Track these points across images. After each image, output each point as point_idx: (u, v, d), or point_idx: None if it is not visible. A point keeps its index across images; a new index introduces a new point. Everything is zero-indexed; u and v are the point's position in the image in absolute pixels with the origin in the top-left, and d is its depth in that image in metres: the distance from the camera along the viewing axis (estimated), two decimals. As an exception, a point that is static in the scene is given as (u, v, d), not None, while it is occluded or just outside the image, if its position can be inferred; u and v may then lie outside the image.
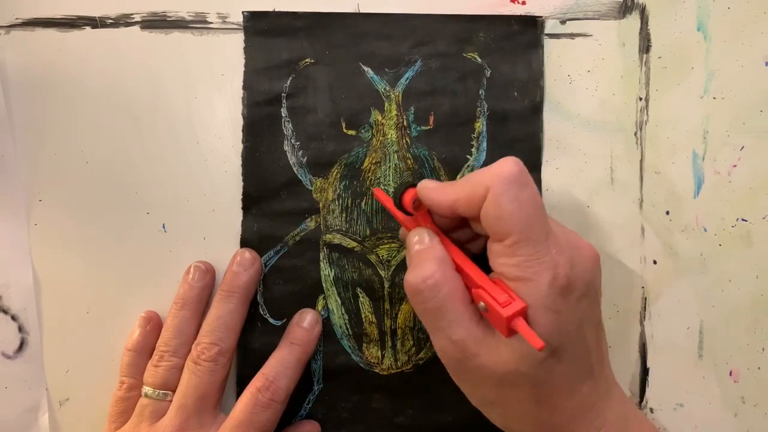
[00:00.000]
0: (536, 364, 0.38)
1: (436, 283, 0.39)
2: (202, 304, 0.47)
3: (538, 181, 0.48)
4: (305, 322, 0.47)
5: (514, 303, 0.37)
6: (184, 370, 0.45)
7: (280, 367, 0.45)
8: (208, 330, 0.45)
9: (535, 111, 0.48)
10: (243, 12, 0.47)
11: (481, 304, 0.38)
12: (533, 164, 0.48)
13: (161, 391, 0.45)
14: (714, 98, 0.48)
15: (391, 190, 0.47)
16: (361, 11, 0.47)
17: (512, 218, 0.38)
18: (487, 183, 0.38)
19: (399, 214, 0.44)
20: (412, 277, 0.40)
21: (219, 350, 0.45)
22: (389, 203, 0.45)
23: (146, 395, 0.45)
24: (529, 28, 0.48)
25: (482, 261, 0.41)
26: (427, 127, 0.47)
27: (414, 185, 0.42)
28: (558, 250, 0.38)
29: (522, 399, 0.39)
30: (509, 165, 0.39)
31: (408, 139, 0.48)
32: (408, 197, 0.42)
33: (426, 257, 0.40)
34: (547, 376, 0.39)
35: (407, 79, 0.47)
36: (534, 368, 0.38)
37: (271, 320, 0.48)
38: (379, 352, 0.48)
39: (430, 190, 0.41)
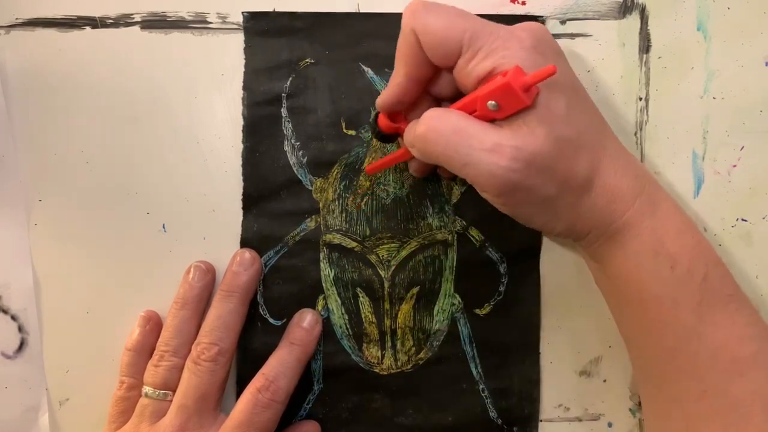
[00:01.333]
0: (565, 120, 0.38)
1: (441, 113, 0.39)
2: (202, 304, 0.47)
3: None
4: (305, 322, 0.47)
5: (507, 72, 0.36)
6: (184, 370, 0.45)
7: (280, 368, 0.45)
8: (208, 330, 0.45)
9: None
10: (243, 12, 0.47)
11: (490, 103, 0.37)
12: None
13: (161, 391, 0.45)
14: (714, 98, 0.48)
15: (391, 190, 0.47)
16: (362, 11, 0.47)
17: (452, 30, 0.38)
18: (409, 26, 0.39)
19: (399, 152, 0.44)
20: (419, 127, 0.39)
21: (219, 350, 0.45)
22: (385, 159, 0.45)
23: (146, 395, 0.45)
24: (529, 29, 0.48)
25: None
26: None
27: (375, 113, 0.43)
28: (510, 29, 0.39)
29: (572, 170, 0.39)
30: (412, 2, 0.40)
31: (408, 140, 0.48)
32: (383, 119, 0.43)
33: (418, 120, 0.40)
34: (577, 129, 0.39)
35: (407, 78, 0.47)
36: (566, 125, 0.38)
37: (271, 320, 0.48)
38: (379, 352, 0.48)
39: (384, 94, 0.42)
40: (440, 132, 0.38)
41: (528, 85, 0.36)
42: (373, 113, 0.44)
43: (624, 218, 0.40)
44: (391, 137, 0.44)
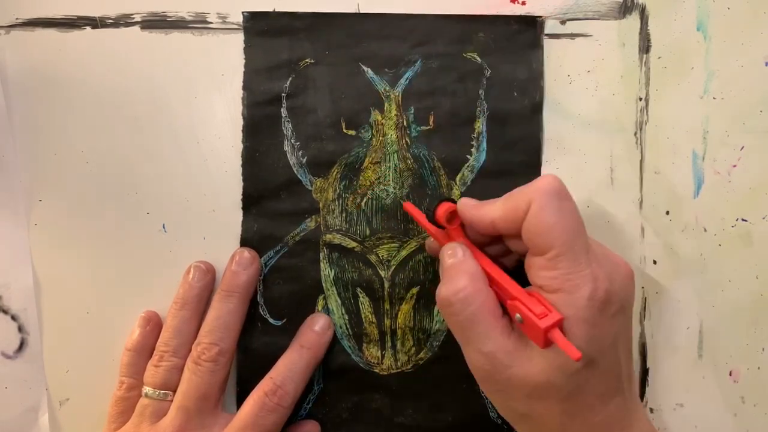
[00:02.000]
0: (570, 375, 0.38)
1: (467, 296, 0.39)
2: (202, 304, 0.47)
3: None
4: (317, 326, 0.47)
5: (551, 314, 0.37)
6: (185, 370, 0.45)
7: (288, 372, 0.45)
8: (208, 330, 0.45)
9: (534, 111, 0.48)
10: (243, 12, 0.47)
11: (517, 315, 0.38)
12: (533, 164, 0.48)
13: (161, 391, 0.45)
14: (714, 98, 0.48)
15: (391, 190, 0.47)
16: (362, 11, 0.47)
17: (554, 231, 0.38)
18: (530, 197, 0.39)
19: (432, 228, 0.44)
20: (444, 290, 0.40)
21: (219, 350, 0.45)
22: (421, 218, 0.45)
23: (146, 395, 0.45)
24: (529, 28, 0.48)
25: (515, 277, 0.41)
26: (427, 127, 0.47)
27: (449, 200, 0.43)
28: (597, 264, 0.39)
29: (552, 411, 0.39)
30: (550, 179, 0.39)
31: (408, 139, 0.48)
32: (442, 211, 0.43)
33: (459, 271, 0.41)
34: (579, 388, 0.39)
35: (407, 79, 0.47)
36: (567, 379, 0.38)
37: (271, 320, 0.48)
38: (379, 352, 0.48)
39: (471, 207, 0.42)
40: (458, 311, 0.40)
41: (551, 340, 0.37)
42: (435, 202, 0.44)
43: None
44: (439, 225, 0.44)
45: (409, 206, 0.46)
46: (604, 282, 0.38)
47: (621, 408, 0.41)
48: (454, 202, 0.43)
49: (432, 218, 0.43)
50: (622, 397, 0.41)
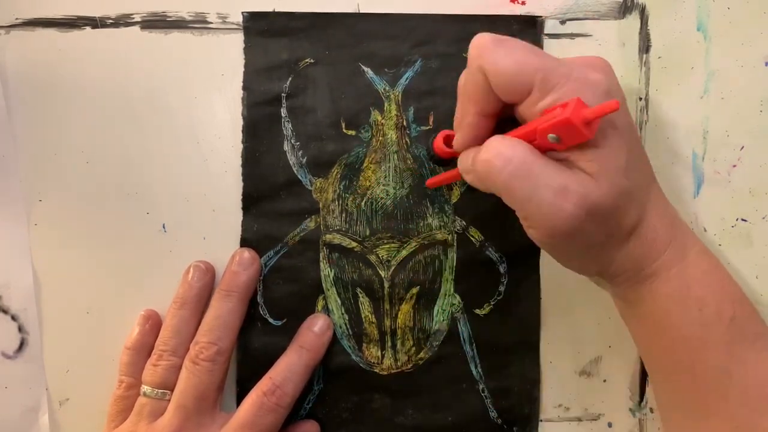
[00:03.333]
0: (624, 171, 0.37)
1: (511, 142, 0.37)
2: (201, 304, 0.47)
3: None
4: (317, 326, 0.47)
5: (568, 104, 0.35)
6: (183, 369, 0.45)
7: (287, 373, 0.45)
8: (207, 329, 0.45)
9: (534, 111, 0.48)
10: (242, 12, 0.47)
11: (550, 136, 0.36)
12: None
13: (160, 391, 0.45)
14: (714, 98, 0.48)
15: (391, 190, 0.47)
16: (362, 11, 0.47)
17: (520, 66, 0.37)
18: (475, 64, 0.38)
19: (451, 175, 0.44)
20: (483, 153, 0.38)
21: (217, 350, 0.45)
22: (446, 174, 0.45)
23: (145, 394, 0.45)
24: (529, 28, 0.48)
25: None
26: (427, 127, 0.47)
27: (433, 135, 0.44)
28: (577, 63, 0.38)
29: (623, 221, 0.39)
30: (480, 36, 0.38)
31: (408, 139, 0.48)
32: (438, 143, 0.43)
33: (489, 145, 0.38)
34: (633, 180, 0.38)
35: (407, 79, 0.47)
36: (625, 177, 0.37)
37: (271, 320, 0.48)
38: (379, 352, 0.48)
39: (459, 137, 0.41)
40: (506, 162, 0.37)
41: (589, 119, 0.35)
42: (431, 137, 0.45)
43: (655, 265, 0.40)
44: (446, 160, 0.45)
45: (431, 181, 0.47)
46: (595, 74, 0.38)
47: (660, 193, 0.42)
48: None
49: (436, 156, 0.44)
50: (657, 183, 0.42)
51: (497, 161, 0.37)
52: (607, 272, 0.41)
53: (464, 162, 0.41)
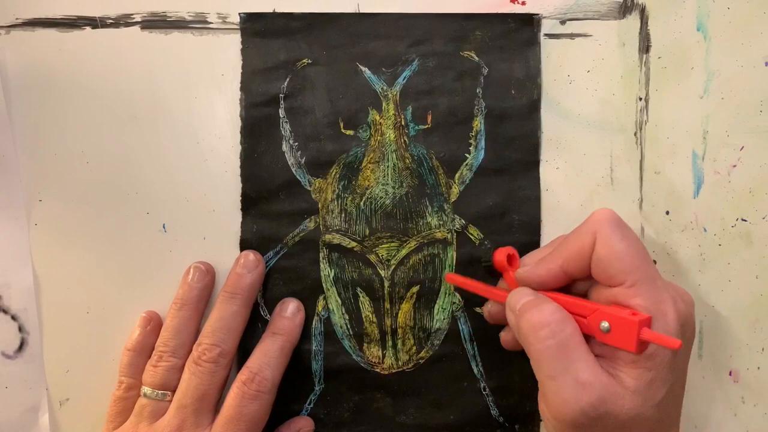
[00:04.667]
0: (656, 404, 0.38)
1: (563, 318, 0.38)
2: (201, 305, 0.47)
3: (536, 180, 0.48)
4: (287, 311, 0.47)
5: (639, 314, 0.37)
6: (185, 370, 0.45)
7: (263, 358, 0.45)
8: (210, 331, 0.45)
9: (532, 109, 0.48)
10: (239, 13, 0.47)
11: (604, 324, 0.38)
12: (531, 162, 0.48)
13: (160, 392, 0.45)
14: (714, 98, 0.48)
15: (390, 190, 0.47)
16: (361, 11, 0.47)
17: (627, 256, 0.38)
18: (593, 230, 0.39)
19: (488, 290, 0.45)
20: (536, 313, 0.39)
21: (220, 351, 0.45)
22: (471, 282, 0.45)
23: (145, 395, 0.45)
24: (526, 26, 0.48)
25: None
26: (425, 126, 0.47)
27: (502, 246, 0.44)
28: (672, 287, 0.39)
29: None
30: (607, 211, 0.40)
31: (406, 138, 0.48)
32: (501, 255, 0.43)
33: (541, 300, 0.40)
34: (660, 417, 0.39)
35: (405, 78, 0.48)
36: (654, 409, 0.38)
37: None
38: (380, 352, 0.48)
39: (531, 269, 0.42)
40: (550, 335, 0.38)
41: (647, 339, 0.36)
42: (490, 250, 0.45)
43: None
44: (497, 273, 0.45)
45: (452, 277, 0.47)
46: (681, 305, 0.39)
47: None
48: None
49: (490, 266, 0.43)
50: (677, 427, 0.42)
51: (542, 330, 0.38)
52: None
53: (514, 299, 0.41)
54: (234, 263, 0.47)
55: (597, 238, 0.39)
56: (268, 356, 0.45)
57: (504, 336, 0.46)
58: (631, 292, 0.38)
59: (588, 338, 0.39)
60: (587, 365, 0.37)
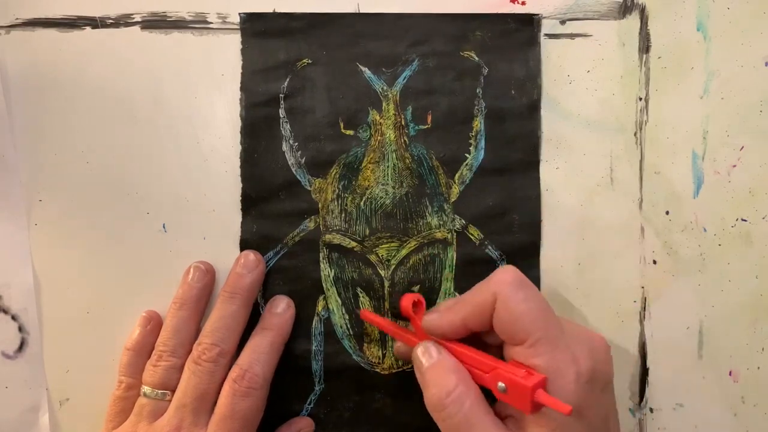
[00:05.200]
0: None
1: (459, 395, 0.39)
2: (201, 305, 0.47)
3: (536, 180, 0.48)
4: (278, 308, 0.47)
5: (534, 375, 0.37)
6: (185, 369, 0.45)
7: (253, 355, 0.45)
8: (210, 330, 0.45)
9: (532, 109, 0.48)
10: (239, 13, 0.47)
11: (500, 384, 0.38)
12: (531, 162, 0.48)
13: (160, 391, 0.45)
14: (714, 98, 0.48)
15: (390, 190, 0.47)
16: (361, 11, 0.47)
17: (526, 318, 0.39)
18: (493, 290, 0.40)
19: (396, 330, 0.45)
20: (434, 393, 0.40)
21: (220, 351, 0.45)
22: (383, 322, 0.45)
23: (145, 395, 0.45)
24: (526, 26, 0.48)
25: None
26: (425, 126, 0.47)
27: (410, 292, 0.44)
28: (576, 343, 0.39)
29: None
30: (508, 270, 0.40)
31: (406, 138, 0.48)
32: (406, 302, 0.43)
33: (442, 370, 0.41)
34: None
35: (405, 78, 0.48)
36: None
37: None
38: (380, 352, 0.48)
39: (435, 319, 0.42)
40: (455, 411, 0.39)
41: (540, 402, 0.37)
42: (398, 296, 0.45)
43: None
44: (403, 318, 0.45)
45: (366, 314, 0.47)
46: (586, 361, 0.39)
47: None
48: (414, 292, 0.44)
49: (397, 312, 0.44)
50: None
51: (445, 409, 0.39)
52: None
53: (419, 355, 0.42)
54: (234, 263, 0.47)
55: (498, 299, 0.39)
56: (258, 352, 0.45)
57: (398, 347, 0.47)
58: (530, 352, 0.38)
59: None
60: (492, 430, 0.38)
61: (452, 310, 0.42)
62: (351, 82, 0.47)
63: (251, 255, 0.47)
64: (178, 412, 0.44)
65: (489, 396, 0.40)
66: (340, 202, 0.48)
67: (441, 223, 0.48)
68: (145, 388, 0.45)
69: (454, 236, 0.48)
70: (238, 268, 0.47)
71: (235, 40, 0.47)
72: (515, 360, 0.39)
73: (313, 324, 0.48)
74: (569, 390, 0.38)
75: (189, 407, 0.44)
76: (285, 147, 0.47)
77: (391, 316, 0.45)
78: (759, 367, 0.49)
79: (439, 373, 0.40)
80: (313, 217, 0.48)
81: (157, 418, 0.45)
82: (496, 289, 0.39)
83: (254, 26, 0.47)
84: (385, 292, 0.48)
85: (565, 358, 0.38)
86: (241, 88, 0.47)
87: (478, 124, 0.48)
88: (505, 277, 0.40)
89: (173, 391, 0.45)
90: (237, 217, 0.48)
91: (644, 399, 0.49)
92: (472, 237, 0.48)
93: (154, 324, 0.47)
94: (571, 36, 0.48)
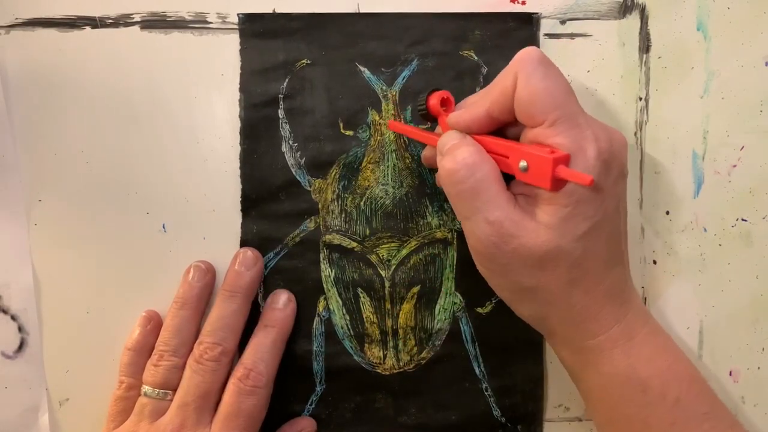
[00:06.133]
0: (578, 239, 0.38)
1: (473, 163, 0.39)
2: (202, 304, 0.47)
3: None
4: (279, 303, 0.47)
5: (557, 152, 0.37)
6: (186, 369, 0.45)
7: (257, 354, 0.45)
8: (211, 330, 0.45)
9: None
10: (238, 14, 0.47)
11: (522, 163, 0.38)
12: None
13: (161, 391, 0.45)
14: (714, 98, 0.48)
15: (390, 190, 0.47)
16: (361, 11, 0.47)
17: (547, 94, 0.38)
18: (514, 70, 0.39)
19: (424, 135, 0.44)
20: (447, 161, 0.40)
21: (222, 350, 0.45)
22: (409, 128, 0.45)
23: (146, 394, 0.45)
24: (526, 26, 0.48)
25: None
26: (425, 126, 0.47)
27: (435, 89, 0.42)
28: (597, 125, 0.39)
29: (560, 280, 0.39)
30: (530, 49, 0.39)
31: (406, 138, 0.48)
32: (435, 99, 0.42)
33: (460, 144, 0.40)
34: (586, 253, 0.39)
35: (404, 78, 0.47)
36: (575, 244, 0.38)
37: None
38: (381, 352, 0.48)
39: (460, 114, 0.41)
40: (463, 179, 0.39)
41: (561, 176, 0.36)
42: (424, 94, 0.43)
43: (596, 340, 0.40)
44: (432, 117, 0.44)
45: (393, 124, 0.46)
46: (605, 142, 0.38)
47: (621, 277, 0.41)
48: (439, 89, 0.43)
49: (425, 111, 0.43)
50: (622, 267, 0.41)
51: (455, 174, 0.39)
52: (541, 325, 0.42)
53: (441, 142, 0.41)
54: (232, 261, 0.47)
55: (518, 78, 0.38)
56: (261, 350, 0.46)
57: (425, 153, 0.47)
58: (550, 131, 0.38)
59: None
60: (497, 205, 0.39)
61: (477, 104, 0.41)
62: (350, 83, 0.47)
63: (249, 252, 0.47)
64: (181, 411, 0.44)
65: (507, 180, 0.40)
66: (340, 202, 0.48)
67: (441, 222, 0.48)
68: (146, 388, 0.45)
69: (455, 236, 0.48)
70: (236, 266, 0.47)
71: (234, 40, 0.47)
72: (538, 142, 0.39)
73: (314, 324, 0.48)
74: (590, 165, 0.37)
75: (192, 406, 0.44)
76: (285, 147, 0.47)
77: (420, 116, 0.44)
78: (759, 367, 0.49)
79: (458, 146, 0.40)
80: (313, 217, 0.48)
81: (158, 417, 0.45)
82: (517, 68, 0.39)
83: (253, 27, 0.47)
84: (386, 292, 0.48)
85: (585, 135, 0.38)
86: (241, 89, 0.47)
87: (478, 123, 0.48)
88: (525, 55, 0.39)
89: (174, 391, 0.45)
90: (237, 218, 0.48)
91: (644, 399, 0.49)
92: (472, 237, 0.48)
93: (154, 324, 0.47)
94: (571, 36, 0.48)
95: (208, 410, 0.45)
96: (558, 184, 0.37)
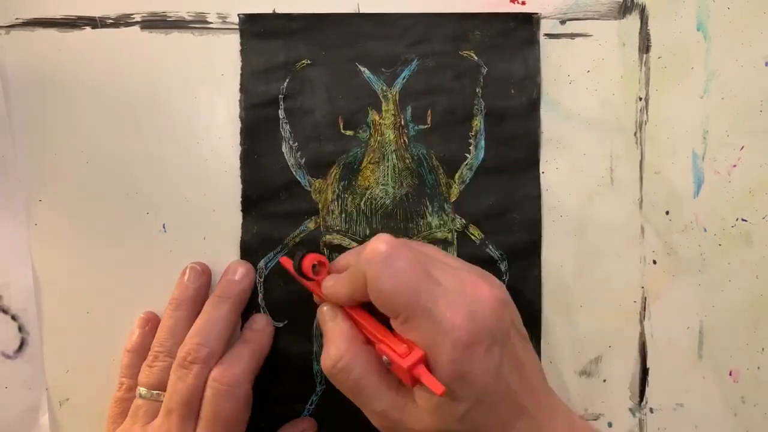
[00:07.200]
0: (461, 418, 0.38)
1: (346, 365, 0.40)
2: (197, 306, 0.46)
3: (536, 180, 0.48)
4: (235, 274, 0.47)
5: (414, 352, 0.37)
6: (171, 374, 0.44)
7: (231, 357, 0.45)
8: (194, 332, 0.45)
9: (532, 108, 0.48)
10: (238, 14, 0.47)
11: (384, 358, 0.39)
12: (531, 161, 0.48)
13: (155, 392, 0.44)
14: (714, 98, 0.48)
15: (390, 190, 0.47)
16: (361, 11, 0.47)
17: (396, 295, 0.38)
18: (362, 270, 0.39)
19: (305, 282, 0.44)
20: (324, 361, 0.41)
21: (207, 352, 0.44)
22: (296, 275, 0.45)
23: (140, 396, 0.45)
24: (525, 25, 0.48)
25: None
26: (425, 126, 0.47)
27: (311, 251, 0.43)
28: (452, 310, 0.38)
29: None
30: (375, 245, 0.39)
31: (406, 138, 0.48)
32: (307, 263, 0.43)
33: (334, 336, 0.41)
34: (476, 427, 0.39)
35: (404, 78, 0.47)
36: (459, 423, 0.38)
37: (273, 322, 0.48)
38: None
39: (329, 287, 0.43)
40: (344, 379, 0.40)
41: (418, 377, 0.37)
42: (299, 255, 0.43)
43: None
44: (309, 278, 0.44)
45: (284, 261, 0.47)
46: (463, 326, 0.37)
47: (529, 425, 0.40)
48: (322, 254, 0.44)
49: (300, 271, 0.43)
50: (528, 416, 0.40)
51: (337, 375, 0.41)
52: None
53: (321, 319, 0.43)
54: (224, 271, 0.47)
55: (366, 278, 0.39)
56: (237, 356, 0.45)
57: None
58: (405, 327, 0.38)
59: None
60: (378, 398, 0.40)
61: (339, 283, 0.42)
62: (350, 83, 0.47)
63: (240, 266, 0.47)
64: (168, 417, 0.43)
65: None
66: (340, 202, 0.48)
67: (441, 223, 0.48)
68: (141, 389, 0.45)
69: (455, 236, 0.48)
70: (228, 275, 0.47)
71: (235, 41, 0.47)
72: (400, 332, 0.39)
73: (315, 325, 0.48)
74: (446, 361, 0.37)
75: (176, 413, 0.43)
76: (285, 148, 0.47)
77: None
78: (759, 367, 0.49)
79: (331, 338, 0.41)
80: (313, 217, 0.48)
81: (153, 418, 0.44)
82: (364, 269, 0.39)
83: (253, 27, 0.47)
84: (386, 292, 0.48)
85: (438, 330, 0.37)
86: (241, 89, 0.47)
87: (478, 123, 0.48)
88: (370, 255, 0.39)
89: (167, 393, 0.45)
90: (237, 218, 0.48)
91: (644, 399, 0.49)
92: (472, 237, 0.48)
93: (152, 325, 0.47)
94: (571, 36, 0.48)
95: (192, 419, 0.44)
96: (416, 381, 0.38)
